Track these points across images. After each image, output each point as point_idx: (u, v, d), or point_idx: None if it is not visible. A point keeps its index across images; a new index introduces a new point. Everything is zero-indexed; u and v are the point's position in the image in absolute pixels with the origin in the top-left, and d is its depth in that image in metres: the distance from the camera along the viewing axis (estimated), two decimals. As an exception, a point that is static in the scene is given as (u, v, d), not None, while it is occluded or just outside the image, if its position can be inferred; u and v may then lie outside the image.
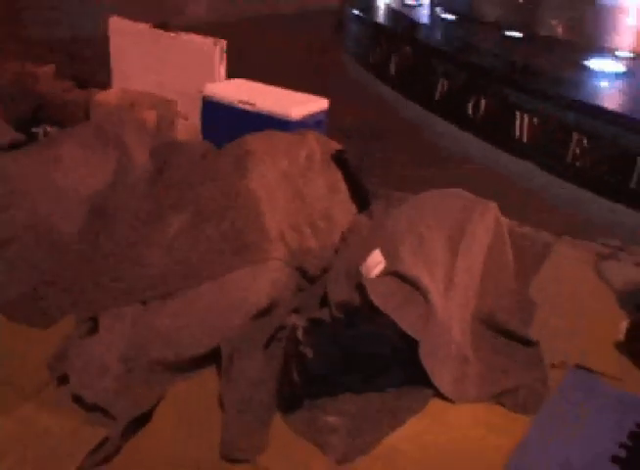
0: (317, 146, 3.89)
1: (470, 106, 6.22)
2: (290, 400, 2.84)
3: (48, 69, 5.12)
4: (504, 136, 5.82)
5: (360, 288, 3.04)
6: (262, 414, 2.78)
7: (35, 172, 3.67)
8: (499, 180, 4.70)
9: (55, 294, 3.35)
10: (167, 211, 3.46)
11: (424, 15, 9.28)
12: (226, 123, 4.41)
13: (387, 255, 3.09)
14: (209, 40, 4.71)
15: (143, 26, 4.91)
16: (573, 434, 2.84)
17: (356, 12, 9.41)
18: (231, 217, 3.32)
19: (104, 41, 5.25)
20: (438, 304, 3.05)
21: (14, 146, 4.15)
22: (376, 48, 8.02)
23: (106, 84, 4.99)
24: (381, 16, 9.28)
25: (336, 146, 3.98)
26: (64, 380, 2.86)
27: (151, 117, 4.59)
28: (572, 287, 3.80)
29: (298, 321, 2.97)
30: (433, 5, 9.74)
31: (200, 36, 4.80)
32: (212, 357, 2.97)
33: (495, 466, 2.65)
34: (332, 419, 2.79)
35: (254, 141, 3.68)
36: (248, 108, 4.39)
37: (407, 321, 2.92)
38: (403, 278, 3.03)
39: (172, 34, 4.85)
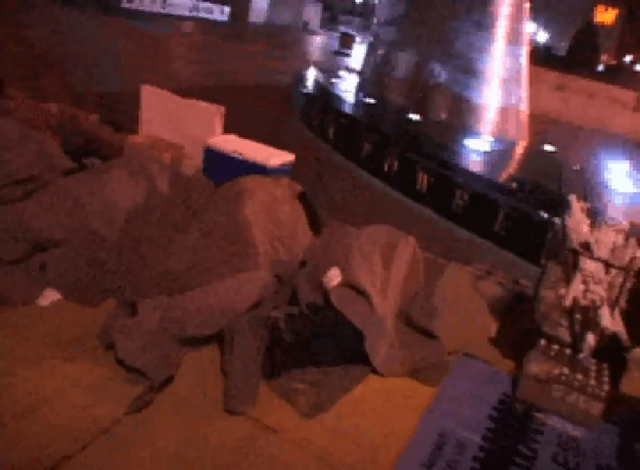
0: (287, 187, 3.87)
1: (385, 164, 6.27)
2: (272, 371, 2.81)
3: (94, 116, 5.01)
4: (409, 187, 5.89)
5: (324, 294, 3.02)
6: (253, 379, 2.74)
7: (88, 192, 3.56)
8: (408, 218, 4.74)
9: (101, 282, 3.23)
10: (187, 224, 3.38)
11: (352, 98, 9.31)
12: (221, 166, 4.37)
13: (342, 270, 3.08)
14: (213, 106, 4.67)
15: (166, 93, 4.83)
16: (464, 400, 2.94)
17: (305, 90, 9.43)
18: (232, 235, 3.27)
19: (131, 98, 5.18)
20: (378, 305, 3.06)
21: (70, 171, 4.01)
22: (318, 116, 8.03)
23: (134, 130, 4.88)
24: (321, 95, 9.28)
25: (300, 188, 3.95)
26: (110, 347, 2.76)
27: (167, 156, 4.53)
28: (460, 297, 3.83)
29: (279, 314, 2.94)
30: (357, 91, 9.77)
31: (205, 102, 4.75)
32: (216, 337, 2.92)
33: (413, 413, 2.79)
34: (300, 386, 2.77)
35: (247, 182, 3.63)
36: (237, 156, 4.36)
37: (357, 318, 2.92)
38: (354, 288, 3.02)
39: (186, 100, 4.78)
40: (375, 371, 2.99)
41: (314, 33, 31.10)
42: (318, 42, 26.67)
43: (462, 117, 8.16)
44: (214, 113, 4.63)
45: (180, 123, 4.68)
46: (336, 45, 25.89)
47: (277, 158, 4.44)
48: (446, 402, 2.90)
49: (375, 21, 9.43)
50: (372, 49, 9.64)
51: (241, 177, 3.70)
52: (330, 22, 35.23)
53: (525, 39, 8.17)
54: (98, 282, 3.23)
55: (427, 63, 8.44)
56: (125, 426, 2.42)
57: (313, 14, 32.45)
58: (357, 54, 22.68)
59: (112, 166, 3.80)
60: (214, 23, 26.13)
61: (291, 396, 2.71)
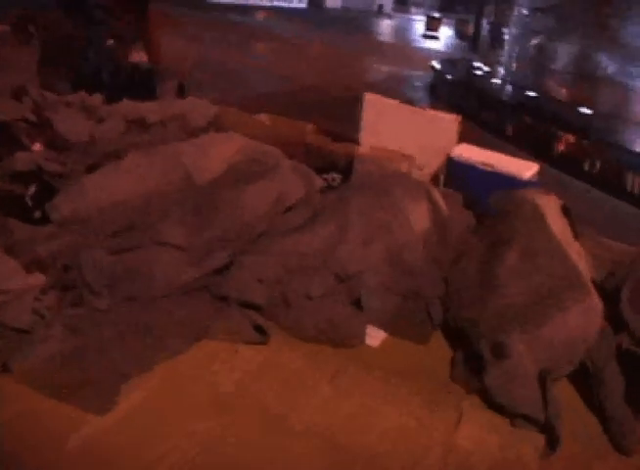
0: (556, 201, 3.68)
1: (586, 164, 6.02)
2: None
3: (310, 125, 4.87)
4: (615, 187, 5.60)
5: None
6: (631, 415, 2.59)
7: (384, 216, 3.45)
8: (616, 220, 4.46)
9: (423, 314, 3.12)
10: (499, 250, 3.22)
11: (509, 90, 8.93)
12: (467, 179, 4.18)
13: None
14: (450, 115, 4.49)
15: (391, 101, 4.68)
16: None
17: (454, 80, 9.03)
18: (554, 261, 3.09)
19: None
20: None
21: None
22: (485, 111, 7.70)
23: (354, 140, 4.71)
24: (486, 88, 8.83)
25: (560, 201, 3.75)
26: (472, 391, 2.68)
27: (404, 167, 4.38)
28: None
29: (629, 345, 2.79)
30: (504, 83, 9.40)
31: (439, 112, 4.58)
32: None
33: None
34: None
35: (534, 198, 3.46)
36: (487, 168, 4.16)
37: None
38: None
39: (416, 108, 4.63)
40: None
41: (389, 17, 30.70)
42: (397, 26, 26.24)
43: (633, 109, 7.82)
44: (452, 122, 4.46)
45: (408, 133, 4.52)
46: (414, 28, 25.53)
47: (527, 169, 4.24)
48: None
49: (516, 10, 9.08)
50: (521, 39, 9.27)
51: (526, 193, 3.55)
52: (400, 4, 34.78)
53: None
54: (420, 315, 3.11)
55: (591, 53, 8.14)
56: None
57: (386, -4, 32.03)
58: (444, 37, 22.27)
59: (401, 187, 3.66)
60: (295, 11, 25.97)
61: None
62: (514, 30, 9.50)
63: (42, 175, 4.03)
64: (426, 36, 22.07)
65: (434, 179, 4.52)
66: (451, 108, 8.41)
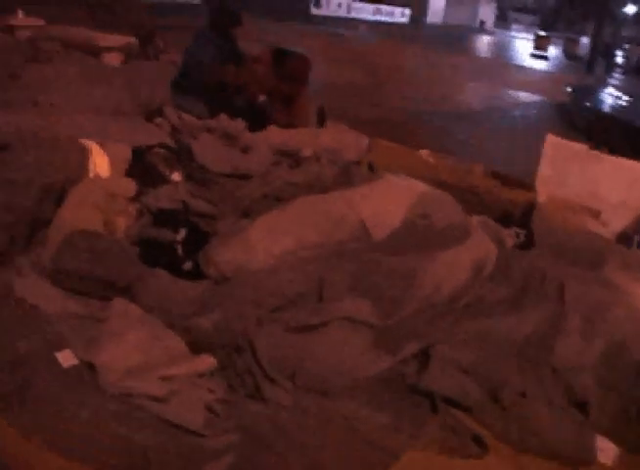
0: None
1: None
2: None
3: (479, 167, 4.26)
4: None
5: None
6: None
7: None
8: None
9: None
10: None
11: None
12: None
13: None
14: (650, 164, 3.83)
15: (579, 146, 4.04)
16: None
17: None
18: None
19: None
20: None
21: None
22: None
23: (528, 186, 4.09)
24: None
25: None
26: None
27: (590, 224, 3.74)
28: None
29: None
30: None
31: (634, 161, 3.90)
32: None
33: None
34: None
35: None
36: None
37: None
38: None
39: (609, 157, 3.97)
40: None
41: (491, 34, 29.77)
42: (500, 43, 25.35)
43: None
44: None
45: (594, 183, 3.90)
46: (518, 46, 24.61)
47: None
48: None
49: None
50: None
51: None
52: (500, 19, 33.65)
53: None
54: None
55: None
56: None
57: (489, 12, 31.01)
58: (554, 56, 21.27)
59: (613, 258, 3.05)
60: (397, 25, 25.47)
61: None
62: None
63: (189, 216, 3.58)
64: (534, 56, 21.10)
65: (621, 239, 3.85)
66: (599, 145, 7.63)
